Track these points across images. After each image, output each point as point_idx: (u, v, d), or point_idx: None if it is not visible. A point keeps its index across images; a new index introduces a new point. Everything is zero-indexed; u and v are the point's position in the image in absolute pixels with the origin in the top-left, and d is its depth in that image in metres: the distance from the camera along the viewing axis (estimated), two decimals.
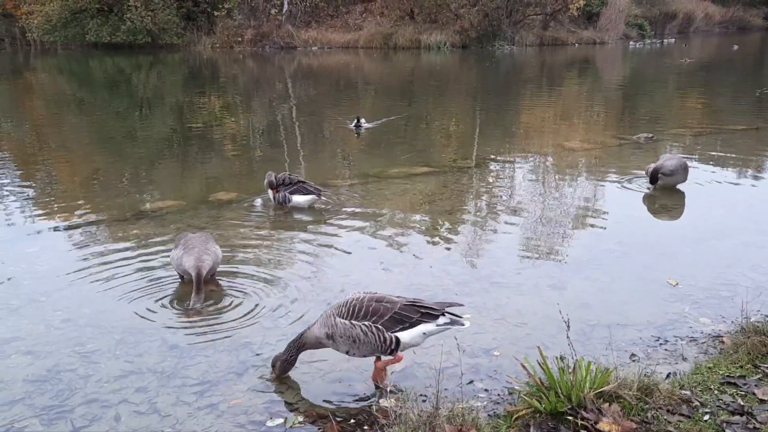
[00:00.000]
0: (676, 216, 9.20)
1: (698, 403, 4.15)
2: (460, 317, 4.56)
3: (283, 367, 4.83)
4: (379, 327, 4.46)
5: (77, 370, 5.00)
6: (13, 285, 6.61)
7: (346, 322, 4.54)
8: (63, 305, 6.11)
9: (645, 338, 5.45)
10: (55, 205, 9.54)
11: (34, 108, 21.46)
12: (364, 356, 4.68)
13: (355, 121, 15.57)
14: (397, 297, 4.62)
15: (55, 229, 8.40)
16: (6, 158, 13.10)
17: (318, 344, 4.73)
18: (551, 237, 8.18)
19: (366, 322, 4.48)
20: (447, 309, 4.54)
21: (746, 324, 5.21)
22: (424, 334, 4.51)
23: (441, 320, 4.45)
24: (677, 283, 6.48)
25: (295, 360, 4.84)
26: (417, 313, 4.45)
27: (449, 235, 8.18)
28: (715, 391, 4.31)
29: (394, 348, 4.51)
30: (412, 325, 4.45)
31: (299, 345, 4.76)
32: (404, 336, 4.48)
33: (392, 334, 4.45)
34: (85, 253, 7.52)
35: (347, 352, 4.68)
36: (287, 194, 8.99)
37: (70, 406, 4.54)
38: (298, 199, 9.02)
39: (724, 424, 3.91)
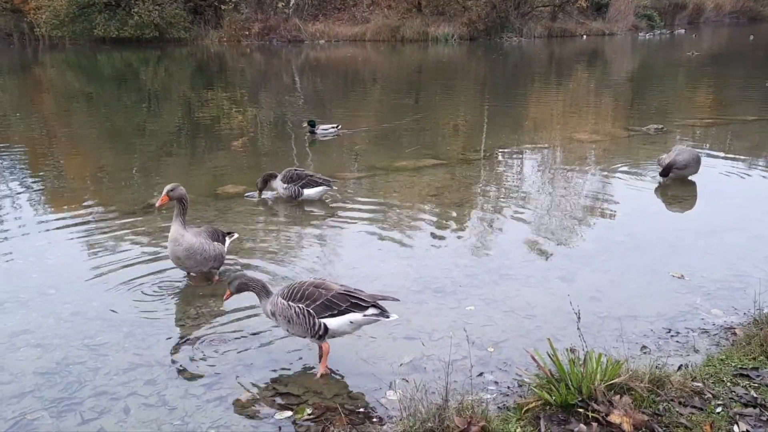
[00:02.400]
0: (687, 208, 9.12)
1: (710, 395, 4.10)
2: (386, 313, 4.63)
3: (240, 288, 5.02)
4: (310, 311, 4.64)
5: (86, 362, 5.01)
6: (22, 278, 6.63)
7: (285, 302, 4.76)
8: (72, 298, 6.12)
9: (656, 330, 5.40)
10: (64, 199, 9.56)
11: (43, 103, 21.52)
12: (301, 336, 4.85)
13: (307, 125, 13.83)
14: (339, 285, 4.79)
15: (64, 222, 8.41)
16: (15, 152, 13.13)
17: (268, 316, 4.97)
18: (560, 229, 8.12)
19: (300, 305, 4.68)
20: (380, 302, 4.65)
21: (759, 315, 5.16)
22: (351, 322, 4.67)
23: (369, 311, 4.58)
24: (682, 276, 6.42)
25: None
26: (347, 302, 4.61)
27: (458, 227, 8.14)
28: (728, 383, 4.27)
29: (323, 333, 4.69)
30: (341, 313, 4.62)
31: (261, 297, 5.00)
32: (332, 323, 4.65)
33: (321, 320, 4.64)
34: (93, 246, 7.53)
35: (287, 331, 4.90)
36: (298, 188, 9.00)
37: (80, 399, 4.55)
38: (309, 191, 9.04)
39: (737, 417, 3.87)
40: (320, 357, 4.91)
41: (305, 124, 13.94)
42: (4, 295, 6.20)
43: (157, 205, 6.48)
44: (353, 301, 4.60)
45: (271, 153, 13.08)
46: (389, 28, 43.13)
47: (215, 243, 6.52)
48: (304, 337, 4.85)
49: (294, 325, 4.75)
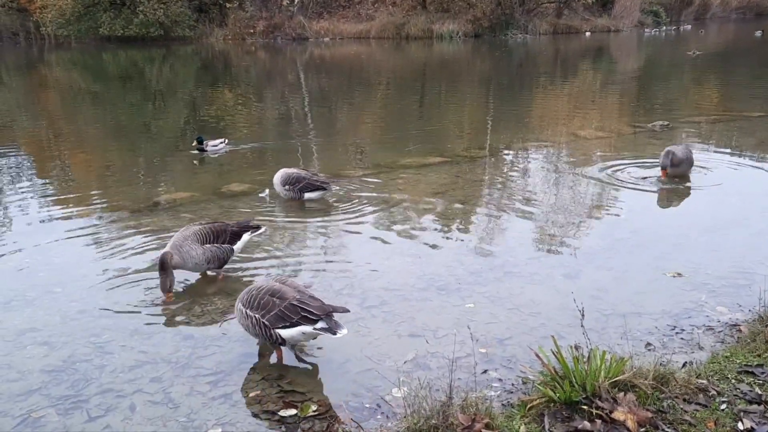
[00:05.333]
0: (691, 205, 9.09)
1: (715, 392, 4.10)
2: (334, 329, 4.59)
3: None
4: (265, 323, 4.72)
5: (93, 360, 5.04)
6: (29, 276, 6.67)
7: (243, 309, 4.87)
8: (78, 296, 6.16)
9: (661, 327, 5.39)
10: (70, 197, 9.60)
11: (49, 101, 21.61)
12: (260, 340, 4.97)
13: (196, 143, 12.26)
14: (296, 291, 4.79)
15: (70, 220, 8.45)
16: (22, 151, 13.20)
17: None
18: (565, 226, 8.11)
19: (256, 315, 4.76)
20: (332, 312, 4.66)
21: (764, 312, 5.16)
22: (304, 333, 4.70)
23: (319, 324, 4.60)
24: (679, 275, 6.38)
25: None
26: (298, 314, 4.63)
27: (462, 225, 8.15)
28: (732, 380, 4.26)
29: (281, 342, 4.78)
30: (293, 325, 4.66)
31: None
32: (285, 334, 4.72)
33: (276, 331, 4.71)
34: (99, 244, 7.57)
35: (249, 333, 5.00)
36: (297, 190, 9.04)
37: (86, 396, 4.58)
38: (309, 195, 9.09)
39: (741, 413, 3.87)
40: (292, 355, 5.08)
41: (196, 142, 12.32)
42: (11, 293, 6.25)
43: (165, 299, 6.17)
44: (303, 314, 4.62)
45: (277, 151, 13.10)
46: (394, 25, 43.11)
47: (206, 246, 6.37)
48: (261, 342, 5.01)
49: (252, 332, 4.91)
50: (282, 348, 5.01)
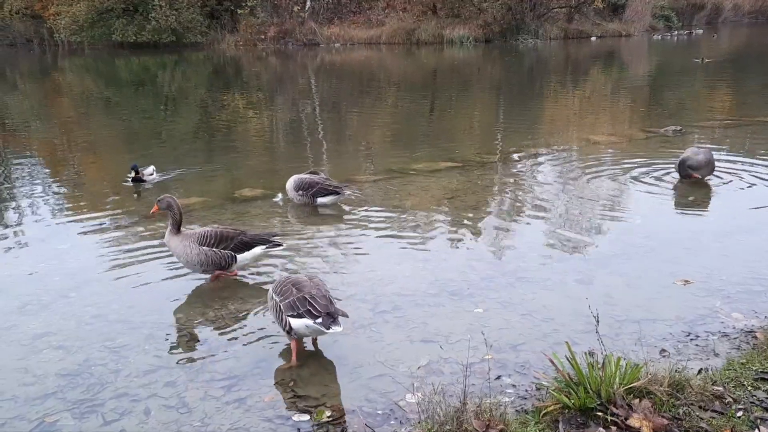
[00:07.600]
0: (705, 210, 9.04)
1: (731, 400, 4.07)
2: (329, 324, 4.83)
3: None
4: (281, 307, 5.03)
5: (107, 364, 5.08)
6: (44, 281, 6.72)
7: (270, 292, 5.25)
8: (93, 301, 6.20)
9: (675, 333, 5.36)
10: (84, 203, 9.68)
11: (63, 107, 21.79)
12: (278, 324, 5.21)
13: (132, 173, 10.67)
14: (314, 287, 5.06)
15: (85, 225, 8.52)
16: (36, 157, 13.32)
17: None
18: (577, 231, 8.08)
19: (276, 299, 5.10)
20: (335, 314, 4.89)
21: None
22: (307, 326, 4.94)
23: (319, 320, 4.85)
24: (686, 282, 6.33)
25: None
26: (304, 307, 4.92)
27: (474, 230, 8.14)
28: (749, 387, 4.23)
29: (289, 330, 5.02)
30: (299, 316, 4.94)
31: None
32: (293, 323, 4.98)
33: (287, 318, 4.99)
34: (113, 249, 7.62)
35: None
36: (310, 195, 9.07)
37: (101, 400, 4.61)
38: (323, 200, 9.10)
39: (758, 421, 3.83)
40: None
41: (132, 173, 10.74)
42: (26, 297, 6.30)
43: (150, 212, 7.00)
44: (308, 307, 4.89)
45: (289, 156, 13.15)
46: (404, 30, 43.16)
47: (202, 248, 6.37)
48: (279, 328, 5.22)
49: (272, 315, 5.23)
50: (295, 349, 5.07)
